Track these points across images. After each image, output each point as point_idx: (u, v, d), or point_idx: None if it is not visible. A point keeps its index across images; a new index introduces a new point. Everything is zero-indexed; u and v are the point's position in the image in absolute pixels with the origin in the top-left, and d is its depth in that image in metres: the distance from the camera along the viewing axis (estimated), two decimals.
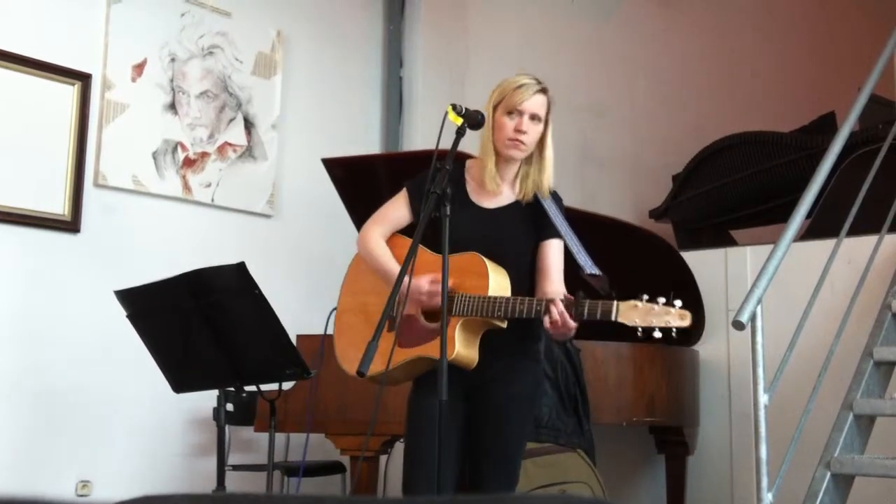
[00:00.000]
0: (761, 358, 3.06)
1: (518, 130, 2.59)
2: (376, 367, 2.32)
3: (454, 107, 2.50)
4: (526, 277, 2.67)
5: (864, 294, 3.62)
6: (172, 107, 4.57)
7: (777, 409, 3.13)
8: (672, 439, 4.48)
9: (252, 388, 3.07)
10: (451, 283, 2.45)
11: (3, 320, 3.99)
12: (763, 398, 3.06)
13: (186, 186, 4.58)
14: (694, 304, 4.32)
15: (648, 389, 4.11)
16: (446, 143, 2.46)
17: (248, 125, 4.84)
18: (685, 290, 4.18)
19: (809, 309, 3.29)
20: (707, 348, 4.63)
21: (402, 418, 2.72)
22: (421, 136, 5.34)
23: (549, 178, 2.69)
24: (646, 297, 2.36)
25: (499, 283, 2.55)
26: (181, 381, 3.08)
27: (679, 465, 4.50)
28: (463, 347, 2.53)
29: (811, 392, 3.22)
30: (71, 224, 4.19)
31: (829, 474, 3.17)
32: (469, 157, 2.80)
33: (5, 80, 4.06)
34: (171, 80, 4.57)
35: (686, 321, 2.35)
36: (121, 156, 4.36)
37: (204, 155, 4.66)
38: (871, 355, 3.52)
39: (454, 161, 2.51)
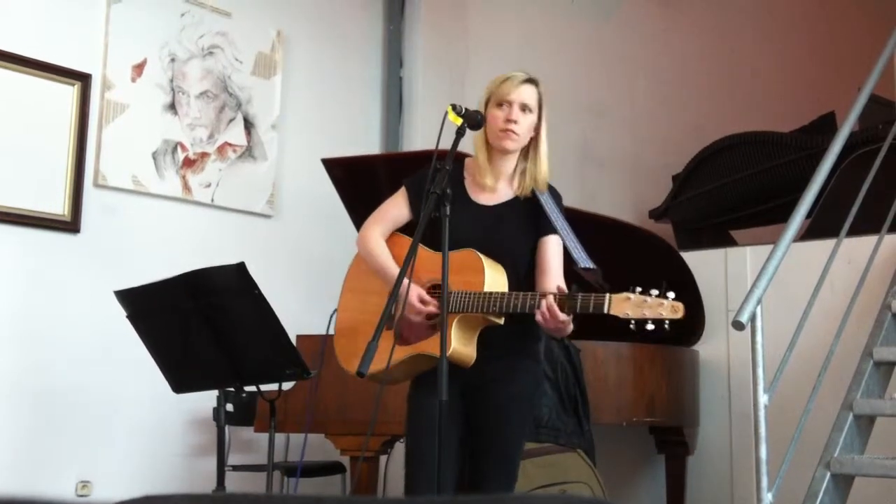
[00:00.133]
0: (761, 358, 3.06)
1: (508, 120, 2.61)
2: (376, 365, 2.32)
3: (454, 107, 2.51)
4: (527, 274, 2.67)
5: (864, 294, 3.62)
6: (172, 107, 4.57)
7: (777, 409, 3.13)
8: (672, 439, 4.48)
9: (252, 388, 3.07)
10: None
11: (3, 320, 3.99)
12: (763, 398, 3.06)
13: (186, 187, 4.58)
14: (694, 304, 4.33)
15: (648, 389, 4.11)
16: (446, 143, 2.47)
17: (248, 125, 4.84)
18: (685, 290, 4.18)
19: (809, 309, 3.29)
20: (707, 348, 4.63)
21: (402, 418, 2.72)
22: (421, 136, 5.34)
23: (544, 170, 2.69)
24: (639, 289, 2.36)
25: (495, 279, 2.56)
26: (181, 381, 3.08)
27: (679, 465, 4.50)
28: (460, 344, 2.53)
29: (811, 392, 3.22)
30: (71, 224, 4.19)
31: (828, 474, 3.17)
32: (468, 156, 2.81)
33: (5, 80, 4.06)
34: (171, 80, 4.57)
35: (678, 313, 2.34)
36: (121, 156, 4.36)
37: (204, 155, 4.66)
38: (870, 355, 3.52)
39: (453, 160, 2.52)
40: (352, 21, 5.40)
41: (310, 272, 4.92)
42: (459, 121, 2.51)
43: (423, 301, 2.55)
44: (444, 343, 2.33)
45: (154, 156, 4.49)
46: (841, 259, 3.61)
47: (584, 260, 2.56)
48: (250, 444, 4.67)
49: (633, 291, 2.36)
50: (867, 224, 3.80)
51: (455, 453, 2.61)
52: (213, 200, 4.67)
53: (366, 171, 4.15)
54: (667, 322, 2.34)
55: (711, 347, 4.65)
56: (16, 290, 4.05)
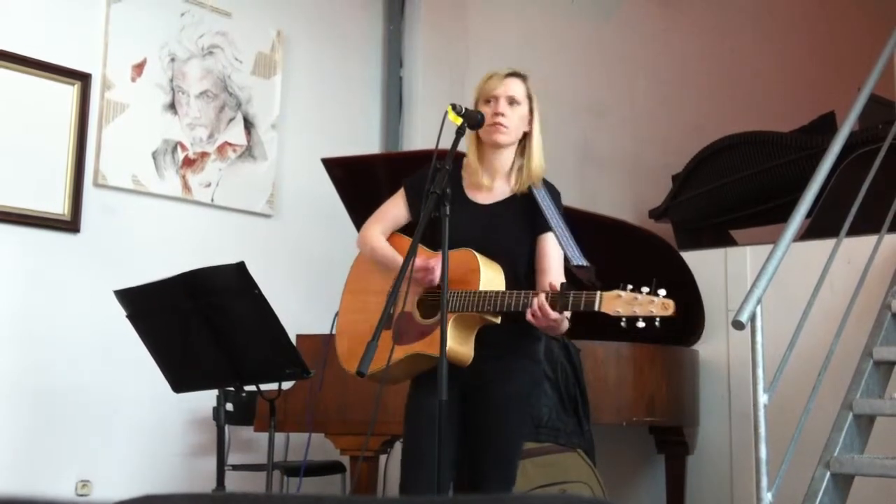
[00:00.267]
0: (761, 358, 3.06)
1: (496, 114, 2.62)
2: (376, 364, 2.32)
3: (454, 107, 2.52)
4: (527, 273, 2.68)
5: (864, 294, 3.62)
6: (172, 107, 4.57)
7: (777, 409, 3.13)
8: (672, 439, 4.48)
9: (252, 387, 3.07)
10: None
11: (3, 320, 3.99)
12: (763, 398, 3.06)
13: (186, 186, 4.58)
14: (694, 303, 4.33)
15: (648, 389, 4.11)
16: (446, 143, 2.47)
17: (248, 125, 4.84)
18: (685, 289, 4.19)
19: (809, 309, 3.29)
20: (707, 348, 4.63)
21: (401, 418, 2.72)
22: (421, 136, 5.34)
23: (538, 164, 2.69)
24: (629, 286, 2.35)
25: (490, 277, 2.56)
26: (181, 380, 3.08)
27: (679, 464, 4.50)
28: (457, 344, 2.53)
29: (811, 392, 3.22)
30: (71, 224, 4.19)
31: (828, 474, 3.17)
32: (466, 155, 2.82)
33: (5, 80, 4.06)
34: (171, 80, 4.57)
35: (669, 311, 2.33)
36: (120, 156, 4.36)
37: (204, 155, 4.66)
38: (870, 355, 3.52)
39: (452, 160, 2.52)
40: (352, 21, 5.40)
41: (310, 272, 4.92)
42: (459, 120, 2.51)
43: (426, 268, 2.56)
44: (443, 343, 2.34)
45: (154, 155, 4.49)
46: (841, 259, 3.61)
47: (577, 257, 2.55)
48: (250, 443, 4.67)
49: (624, 289, 2.35)
50: (867, 224, 3.80)
51: (453, 453, 2.61)
52: (213, 200, 4.67)
53: (366, 170, 4.15)
54: (657, 320, 2.33)
55: (711, 347, 4.65)
56: (15, 290, 4.05)
